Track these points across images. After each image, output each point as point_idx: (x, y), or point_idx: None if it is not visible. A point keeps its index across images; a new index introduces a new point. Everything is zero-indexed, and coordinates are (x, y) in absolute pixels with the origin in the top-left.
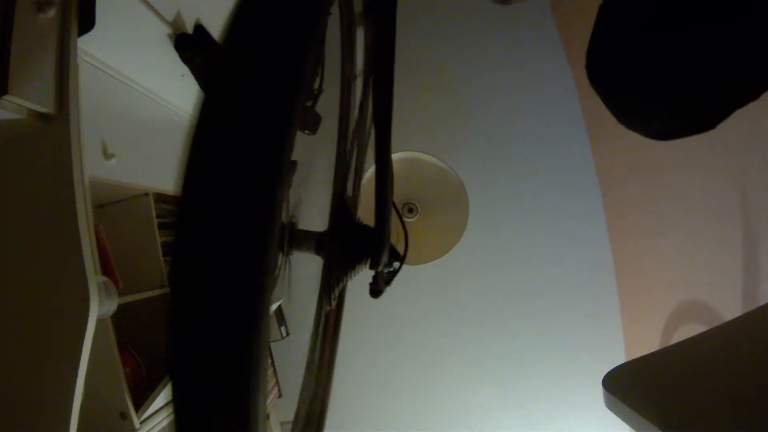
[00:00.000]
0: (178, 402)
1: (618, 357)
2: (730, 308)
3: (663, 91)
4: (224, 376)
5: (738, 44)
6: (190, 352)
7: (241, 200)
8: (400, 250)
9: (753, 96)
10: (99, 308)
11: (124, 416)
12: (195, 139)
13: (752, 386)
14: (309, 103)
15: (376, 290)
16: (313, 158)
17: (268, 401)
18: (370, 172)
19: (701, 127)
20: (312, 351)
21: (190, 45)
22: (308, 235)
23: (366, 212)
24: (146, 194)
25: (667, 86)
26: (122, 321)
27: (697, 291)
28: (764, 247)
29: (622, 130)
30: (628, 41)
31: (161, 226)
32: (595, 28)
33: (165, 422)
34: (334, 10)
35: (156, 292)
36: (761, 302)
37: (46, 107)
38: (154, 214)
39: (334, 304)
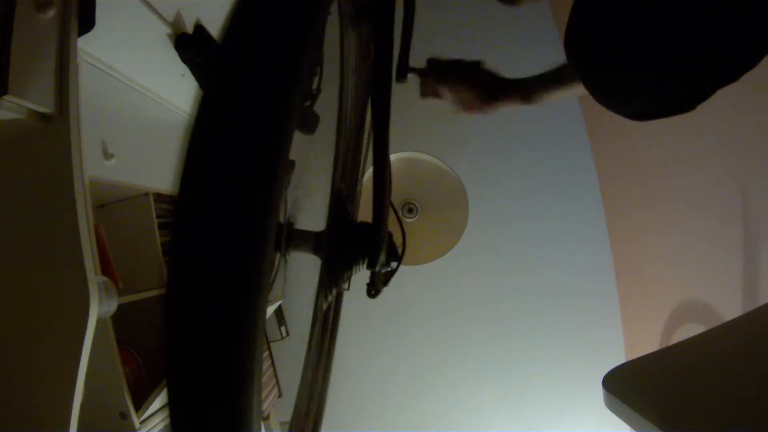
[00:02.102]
0: (173, 404)
1: (618, 357)
2: (730, 308)
3: (644, 72)
4: (219, 379)
5: (719, 25)
6: (185, 357)
7: (237, 201)
8: (400, 250)
9: (733, 77)
10: (99, 308)
11: (124, 416)
12: (192, 138)
13: (752, 386)
14: (307, 103)
15: (373, 290)
16: (312, 158)
17: (269, 401)
18: (369, 172)
19: (681, 108)
20: (309, 351)
21: (190, 45)
22: (305, 235)
23: (365, 212)
24: (146, 194)
25: (648, 66)
26: (122, 321)
27: (697, 291)
28: (764, 247)
29: (622, 129)
30: (609, 20)
31: (161, 226)
32: (574, 6)
33: (165, 422)
34: (334, 10)
35: (156, 292)
36: (761, 302)
37: (46, 107)
38: (154, 214)
39: (331, 303)
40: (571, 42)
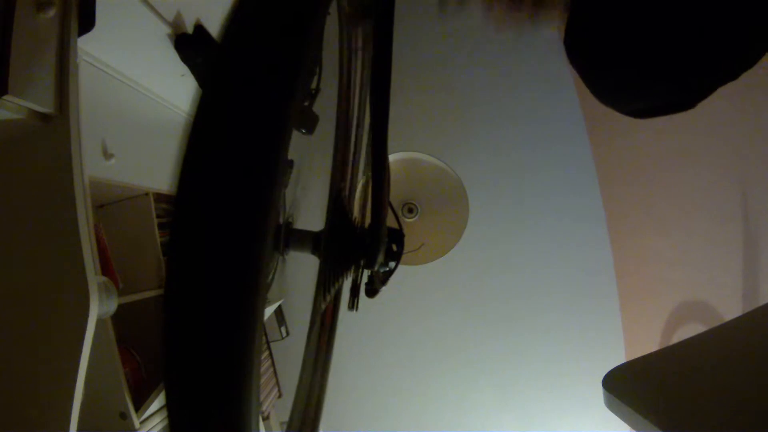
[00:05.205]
0: (171, 405)
1: (618, 357)
2: (730, 308)
3: (644, 69)
4: (217, 379)
5: (718, 23)
6: (183, 358)
7: (234, 201)
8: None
9: (733, 75)
10: (99, 308)
11: (124, 416)
12: (190, 137)
13: (752, 386)
14: (306, 103)
15: (371, 290)
16: (311, 158)
17: (269, 401)
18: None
19: (681, 106)
20: (307, 351)
21: (190, 45)
22: (304, 234)
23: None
24: (146, 194)
25: (648, 64)
26: (122, 321)
27: (697, 291)
28: (764, 247)
29: (622, 129)
30: (609, 18)
31: (161, 226)
32: (573, 4)
33: (165, 422)
34: (333, 10)
35: (156, 292)
36: (761, 302)
37: (46, 107)
38: (154, 214)
39: (329, 303)
40: (570, 41)
